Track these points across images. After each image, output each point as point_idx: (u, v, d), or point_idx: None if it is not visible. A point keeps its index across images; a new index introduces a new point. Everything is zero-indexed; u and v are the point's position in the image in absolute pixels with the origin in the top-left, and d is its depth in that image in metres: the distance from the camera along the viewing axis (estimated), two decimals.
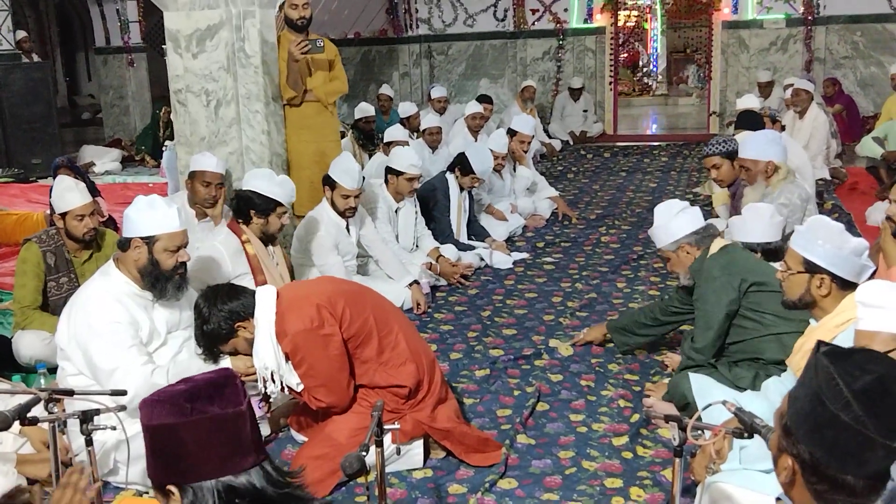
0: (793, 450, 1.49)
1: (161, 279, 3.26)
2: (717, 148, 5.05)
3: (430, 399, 3.36)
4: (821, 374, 1.46)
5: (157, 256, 3.24)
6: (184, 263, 3.33)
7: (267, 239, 4.33)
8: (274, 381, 3.16)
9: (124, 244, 3.30)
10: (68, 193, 4.18)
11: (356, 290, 3.47)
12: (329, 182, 4.91)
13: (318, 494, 3.06)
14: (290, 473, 1.57)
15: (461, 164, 6.13)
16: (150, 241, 3.24)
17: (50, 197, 4.35)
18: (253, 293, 3.21)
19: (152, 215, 3.25)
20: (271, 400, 3.40)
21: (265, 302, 3.16)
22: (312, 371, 3.16)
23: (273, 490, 1.52)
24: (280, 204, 4.27)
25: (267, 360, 3.14)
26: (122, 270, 3.29)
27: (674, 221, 3.73)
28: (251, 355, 3.18)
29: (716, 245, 3.67)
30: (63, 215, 4.18)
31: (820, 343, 1.55)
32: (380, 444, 2.43)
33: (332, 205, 4.93)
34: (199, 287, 4.01)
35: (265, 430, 3.49)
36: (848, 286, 2.80)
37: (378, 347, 3.28)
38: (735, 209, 5.04)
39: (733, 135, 6.24)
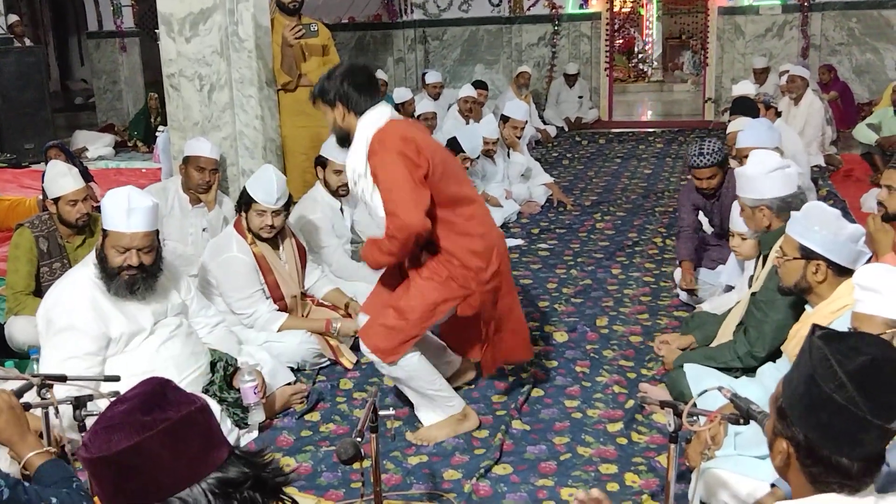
0: (787, 432, 1.50)
1: (108, 275, 3.18)
2: (708, 160, 4.62)
3: (496, 281, 3.38)
4: (815, 355, 1.47)
5: (105, 251, 3.18)
6: (140, 266, 3.17)
7: (265, 240, 4.11)
8: (357, 185, 3.32)
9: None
10: (61, 178, 4.15)
11: (446, 156, 3.46)
12: (321, 161, 4.87)
13: (387, 361, 3.29)
14: (259, 452, 1.52)
15: (451, 147, 6.13)
16: (105, 234, 3.19)
17: (42, 182, 4.31)
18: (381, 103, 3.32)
19: (109, 210, 3.16)
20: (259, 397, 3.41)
21: (378, 114, 3.27)
22: (387, 185, 3.16)
23: (261, 469, 1.48)
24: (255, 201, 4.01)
25: (357, 164, 3.26)
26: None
27: (765, 178, 3.48)
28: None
29: None
30: (56, 200, 4.15)
31: (815, 327, 1.55)
32: (375, 429, 2.42)
33: (325, 184, 4.89)
34: (214, 293, 4.01)
35: (260, 416, 3.48)
36: (844, 272, 2.80)
37: (454, 199, 3.31)
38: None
39: (729, 121, 6.23)
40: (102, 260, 3.18)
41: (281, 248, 4.20)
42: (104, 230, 3.20)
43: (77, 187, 4.15)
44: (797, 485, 1.53)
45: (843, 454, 1.44)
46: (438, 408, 3.48)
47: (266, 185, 4.01)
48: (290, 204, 4.21)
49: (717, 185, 4.68)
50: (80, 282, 3.22)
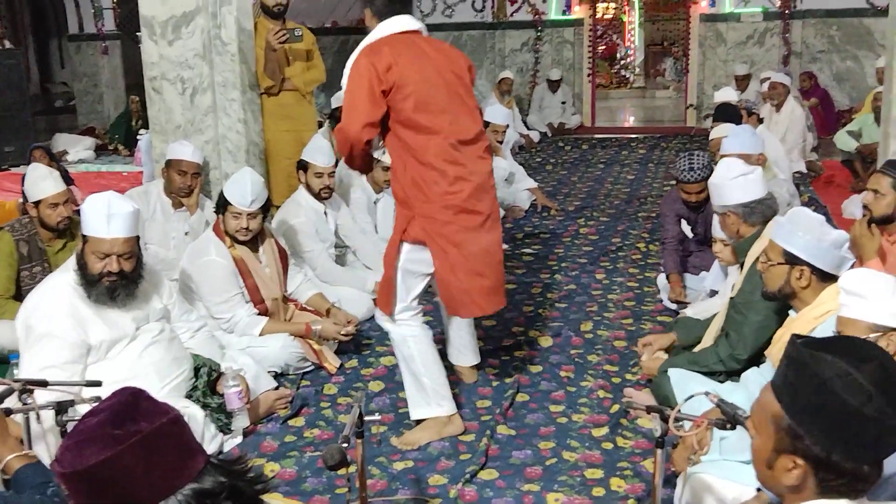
0: (804, 451, 1.43)
1: (88, 281, 3.12)
2: (699, 174, 4.62)
3: (457, 221, 3.32)
4: (828, 369, 1.41)
5: (85, 258, 3.12)
6: (120, 272, 3.12)
7: (243, 242, 4.07)
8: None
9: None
10: (42, 181, 4.11)
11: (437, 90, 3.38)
12: (302, 165, 4.86)
13: (385, 312, 3.45)
14: (238, 459, 1.50)
15: None
16: (85, 240, 3.14)
17: (23, 185, 4.27)
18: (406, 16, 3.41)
19: (88, 216, 3.11)
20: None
21: (390, 24, 3.37)
22: (347, 87, 3.34)
23: (237, 478, 1.46)
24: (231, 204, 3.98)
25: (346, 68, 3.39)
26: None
27: (729, 185, 3.52)
28: None
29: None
30: (36, 203, 4.11)
31: (795, 336, 1.51)
32: (360, 435, 2.41)
33: (308, 187, 4.88)
34: (194, 297, 3.98)
35: (244, 421, 3.46)
36: (827, 278, 2.81)
37: (422, 127, 3.31)
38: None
39: (711, 127, 6.26)
40: (83, 266, 3.13)
41: (261, 250, 4.16)
42: (84, 236, 3.14)
43: (58, 190, 4.12)
44: (798, 497, 1.48)
45: (867, 462, 1.42)
46: (429, 403, 3.48)
47: (241, 188, 3.96)
48: (268, 207, 4.16)
49: (705, 199, 4.67)
50: (59, 287, 3.17)
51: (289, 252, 4.41)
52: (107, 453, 1.33)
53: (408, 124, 3.31)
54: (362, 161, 3.48)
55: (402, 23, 3.40)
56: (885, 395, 1.38)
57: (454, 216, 3.32)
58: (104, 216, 3.07)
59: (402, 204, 3.39)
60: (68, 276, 3.18)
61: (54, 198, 4.09)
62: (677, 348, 3.90)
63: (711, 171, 4.56)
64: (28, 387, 2.42)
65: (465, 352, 3.98)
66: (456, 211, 3.32)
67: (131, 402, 1.41)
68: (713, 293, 4.40)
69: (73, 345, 3.10)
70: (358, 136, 3.28)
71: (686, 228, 5.11)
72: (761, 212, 3.50)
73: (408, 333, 3.45)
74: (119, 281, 3.14)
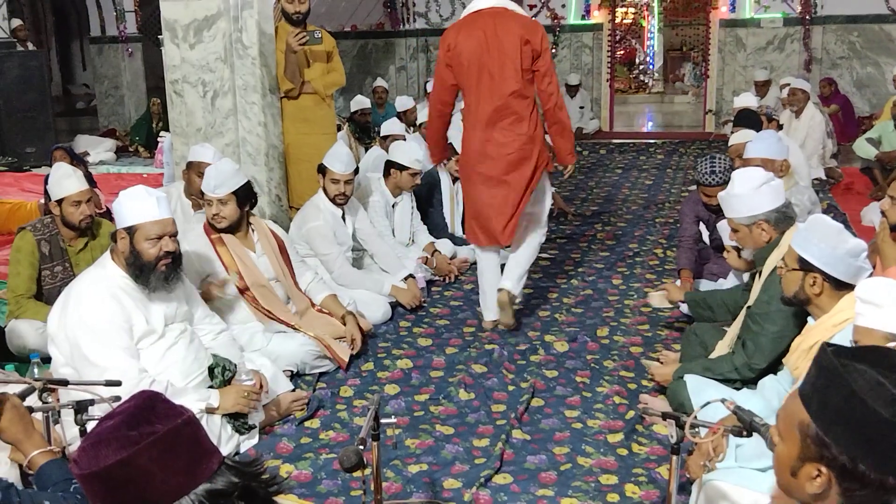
0: (830, 460, 1.42)
1: (145, 270, 3.18)
2: (720, 178, 4.57)
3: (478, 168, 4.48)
4: (860, 378, 1.40)
5: (137, 247, 3.16)
6: (170, 253, 3.21)
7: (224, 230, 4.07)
8: None
9: (114, 236, 3.27)
10: (65, 180, 4.15)
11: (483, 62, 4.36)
12: (321, 169, 4.90)
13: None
14: (253, 461, 1.53)
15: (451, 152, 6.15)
16: (131, 231, 3.18)
17: (46, 184, 4.31)
18: None
19: (132, 205, 3.18)
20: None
21: (473, 4, 4.42)
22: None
23: (250, 479, 1.48)
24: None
25: None
26: (116, 263, 3.25)
27: (756, 194, 3.44)
28: None
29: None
30: (59, 202, 4.15)
31: (826, 344, 1.51)
32: (376, 437, 2.42)
33: (325, 192, 4.92)
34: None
35: (258, 417, 3.49)
36: (842, 286, 2.80)
37: (466, 92, 4.48)
38: None
39: (732, 132, 6.24)
40: (136, 257, 3.17)
41: (254, 237, 4.17)
42: (131, 227, 3.17)
43: (81, 188, 4.16)
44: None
45: (893, 473, 1.39)
46: (484, 304, 4.76)
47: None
48: (243, 194, 4.07)
49: None
50: (100, 280, 3.20)
51: (295, 246, 4.44)
52: (122, 454, 1.37)
53: (464, 92, 4.48)
54: (434, 129, 4.83)
55: (475, 6, 4.41)
56: None
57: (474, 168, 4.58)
58: (152, 200, 3.17)
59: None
60: (104, 273, 3.22)
61: (77, 195, 4.14)
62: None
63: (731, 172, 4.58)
64: (49, 386, 2.45)
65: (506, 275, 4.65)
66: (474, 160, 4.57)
67: (147, 405, 1.44)
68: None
69: (125, 330, 3.15)
70: (433, 101, 4.75)
71: (704, 233, 5.10)
72: (790, 217, 3.47)
73: (478, 254, 4.84)
74: (172, 263, 3.24)
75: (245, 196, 4.09)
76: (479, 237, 4.60)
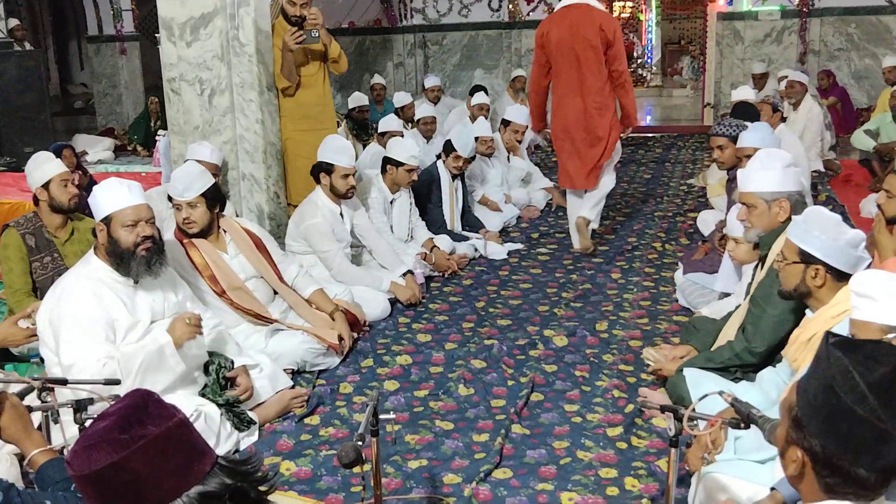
0: (804, 443, 1.47)
1: (125, 257, 3.20)
2: (726, 130, 5.09)
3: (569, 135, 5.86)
4: (834, 365, 1.44)
5: (115, 235, 3.20)
6: (148, 237, 3.23)
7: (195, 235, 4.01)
8: None
9: (94, 231, 3.30)
10: (47, 164, 4.18)
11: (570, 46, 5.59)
12: (324, 167, 4.86)
13: None
14: (247, 461, 1.52)
15: (446, 148, 6.16)
16: (107, 221, 3.22)
17: (27, 177, 4.30)
18: None
19: (105, 196, 3.23)
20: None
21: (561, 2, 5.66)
22: None
23: (242, 479, 1.48)
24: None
25: None
26: (99, 257, 3.28)
27: (783, 172, 3.47)
28: None
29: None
30: (46, 185, 4.14)
31: (829, 334, 1.53)
32: (375, 433, 2.42)
33: (332, 189, 4.89)
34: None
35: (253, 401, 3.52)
36: (843, 277, 2.80)
37: (556, 74, 5.76)
38: (731, 198, 5.02)
39: None
40: (115, 246, 3.20)
41: (225, 238, 4.11)
42: (106, 218, 3.21)
43: (63, 169, 4.19)
44: (808, 492, 1.51)
45: (861, 465, 1.43)
46: (573, 234, 6.06)
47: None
48: (212, 195, 3.99)
49: (727, 160, 5.12)
50: (84, 275, 3.23)
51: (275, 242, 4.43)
52: (114, 457, 1.38)
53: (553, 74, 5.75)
54: (534, 102, 6.12)
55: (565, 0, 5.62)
56: (881, 399, 1.40)
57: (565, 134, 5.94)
58: (122, 189, 3.23)
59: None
60: (89, 269, 3.24)
61: (63, 174, 4.16)
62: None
63: (739, 130, 4.95)
64: (48, 385, 2.45)
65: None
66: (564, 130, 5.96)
67: (141, 405, 1.45)
68: (724, 295, 4.38)
69: (105, 324, 3.16)
70: (531, 79, 6.04)
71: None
72: (804, 202, 3.48)
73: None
74: (153, 247, 3.25)
75: (214, 197, 4.02)
76: (572, 182, 5.91)
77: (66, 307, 3.15)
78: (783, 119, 7.15)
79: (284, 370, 3.95)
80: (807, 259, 2.84)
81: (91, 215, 3.53)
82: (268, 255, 4.24)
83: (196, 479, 1.42)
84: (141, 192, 3.30)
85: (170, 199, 4.06)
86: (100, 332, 3.15)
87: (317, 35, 5.32)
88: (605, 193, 6.03)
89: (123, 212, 3.20)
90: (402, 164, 5.49)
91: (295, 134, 5.44)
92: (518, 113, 7.49)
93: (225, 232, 4.13)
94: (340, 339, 4.22)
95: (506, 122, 7.45)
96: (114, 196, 3.22)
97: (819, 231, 2.82)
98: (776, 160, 3.55)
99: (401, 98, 9.25)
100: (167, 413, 1.44)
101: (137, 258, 3.21)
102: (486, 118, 7.96)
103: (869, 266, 2.88)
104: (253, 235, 4.24)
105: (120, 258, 3.21)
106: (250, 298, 4.12)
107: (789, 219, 3.40)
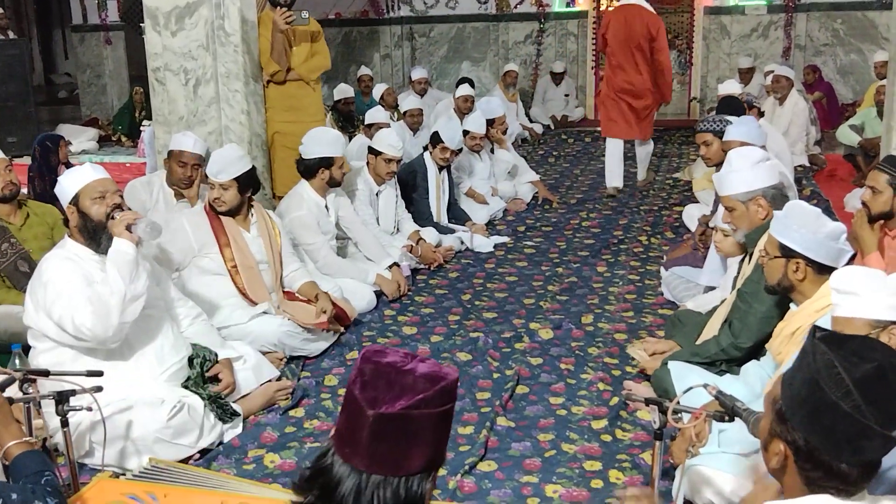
0: (787, 436, 1.48)
1: (98, 232, 3.19)
2: (711, 125, 5.07)
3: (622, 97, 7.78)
4: (819, 360, 1.45)
5: (86, 211, 3.20)
6: (118, 206, 3.23)
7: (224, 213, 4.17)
8: None
9: (65, 222, 3.29)
10: None
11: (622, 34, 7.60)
12: (325, 162, 4.85)
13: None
14: None
15: (433, 140, 6.15)
16: (76, 200, 3.21)
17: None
18: None
19: (69, 179, 3.26)
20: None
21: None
22: None
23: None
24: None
25: None
26: (75, 239, 3.26)
27: (753, 170, 3.50)
28: None
29: None
30: None
31: (816, 328, 1.54)
32: None
33: (331, 181, 4.91)
34: (164, 259, 4.01)
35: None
36: (825, 270, 2.80)
37: (612, 55, 7.74)
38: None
39: None
40: (87, 221, 3.19)
41: (251, 221, 4.25)
42: (74, 198, 3.21)
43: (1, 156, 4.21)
44: (790, 485, 1.52)
45: (843, 460, 1.43)
46: (609, 176, 7.89)
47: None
48: (245, 181, 4.16)
49: (713, 156, 5.04)
50: (61, 255, 3.22)
51: (291, 241, 4.44)
52: (413, 402, 1.43)
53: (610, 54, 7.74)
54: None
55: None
56: (865, 395, 1.40)
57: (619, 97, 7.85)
58: (86, 167, 3.30)
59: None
60: (65, 250, 3.23)
61: None
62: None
63: (724, 125, 4.90)
64: (29, 377, 2.44)
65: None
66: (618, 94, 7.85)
67: (441, 375, 1.49)
68: (709, 289, 4.40)
69: (87, 283, 3.14)
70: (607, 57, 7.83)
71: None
72: (784, 195, 3.50)
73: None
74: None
75: (247, 183, 4.18)
76: (625, 133, 7.93)
77: (47, 276, 3.14)
78: (761, 115, 7.18)
79: (276, 357, 4.00)
80: (787, 253, 2.85)
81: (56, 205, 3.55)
82: (279, 250, 4.33)
83: (414, 468, 1.45)
84: (104, 170, 3.34)
85: (182, 183, 4.64)
86: (83, 286, 3.12)
87: (306, 17, 5.29)
88: (650, 150, 8.27)
89: (90, 185, 3.21)
90: (380, 153, 5.47)
91: (282, 125, 5.42)
92: (494, 107, 7.54)
93: (252, 215, 4.26)
94: (324, 312, 4.21)
95: (490, 121, 7.43)
96: (77, 176, 3.26)
97: (798, 225, 2.82)
98: (745, 159, 3.56)
99: (379, 89, 9.39)
100: (453, 398, 1.50)
101: (108, 234, 3.18)
102: (472, 110, 7.93)
103: (852, 258, 2.90)
104: (275, 227, 4.37)
105: (93, 233, 3.19)
106: (257, 280, 4.18)
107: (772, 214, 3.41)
